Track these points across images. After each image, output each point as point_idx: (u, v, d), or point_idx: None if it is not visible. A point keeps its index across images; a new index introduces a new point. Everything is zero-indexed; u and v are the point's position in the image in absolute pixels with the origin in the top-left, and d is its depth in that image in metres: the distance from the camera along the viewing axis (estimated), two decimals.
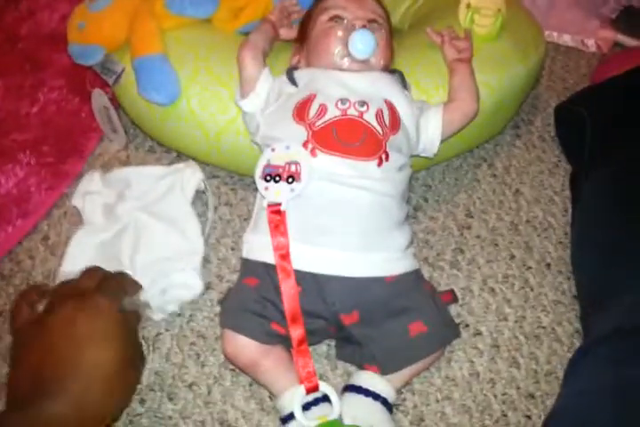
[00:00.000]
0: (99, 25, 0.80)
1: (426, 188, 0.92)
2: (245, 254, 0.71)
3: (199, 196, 0.87)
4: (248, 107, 0.75)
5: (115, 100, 0.89)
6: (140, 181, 0.84)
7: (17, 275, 0.80)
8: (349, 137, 0.69)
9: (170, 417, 0.68)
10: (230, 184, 0.90)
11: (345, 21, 0.75)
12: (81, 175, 0.89)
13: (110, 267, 0.65)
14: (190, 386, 0.70)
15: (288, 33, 0.83)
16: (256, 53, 0.76)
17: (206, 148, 0.83)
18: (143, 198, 0.82)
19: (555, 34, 1.20)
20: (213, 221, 0.85)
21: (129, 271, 0.70)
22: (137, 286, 0.63)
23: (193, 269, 0.76)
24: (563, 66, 1.15)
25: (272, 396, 0.68)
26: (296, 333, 0.64)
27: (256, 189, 0.71)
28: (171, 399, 0.69)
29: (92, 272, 0.61)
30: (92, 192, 0.83)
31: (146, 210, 0.80)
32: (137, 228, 0.79)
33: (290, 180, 0.67)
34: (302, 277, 0.66)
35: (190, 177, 0.84)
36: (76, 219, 0.84)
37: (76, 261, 0.76)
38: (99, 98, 0.87)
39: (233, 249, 0.82)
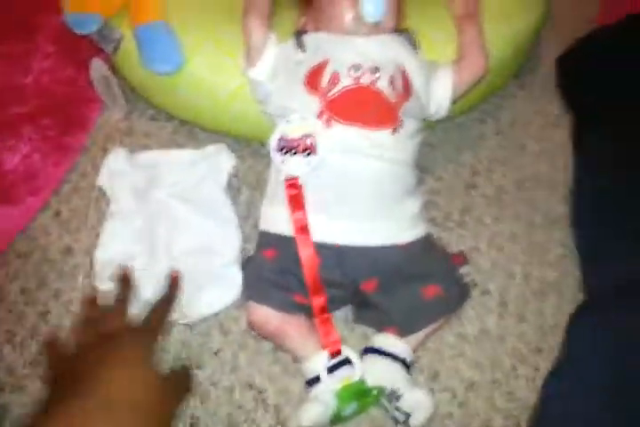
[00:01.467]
0: None
1: (430, 148, 0.91)
2: (263, 227, 0.73)
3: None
4: (256, 75, 0.73)
5: (112, 68, 0.87)
6: (170, 166, 0.82)
7: (34, 252, 0.81)
8: (363, 106, 0.69)
9: (200, 383, 0.71)
10: (238, 151, 0.88)
11: None
12: (86, 148, 0.89)
13: (146, 254, 0.66)
14: (217, 353, 0.73)
15: None
16: (261, 19, 0.73)
17: (213, 115, 0.82)
18: (176, 185, 0.80)
19: None
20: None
21: (165, 260, 0.72)
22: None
23: (233, 262, 0.75)
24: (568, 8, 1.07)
25: (296, 360, 0.71)
26: (318, 302, 0.67)
27: (266, 157, 0.71)
28: (199, 367, 0.72)
29: (120, 308, 0.59)
30: (119, 172, 0.82)
31: (181, 198, 0.79)
32: (172, 216, 0.78)
33: (306, 153, 0.68)
34: (321, 249, 0.67)
35: (223, 163, 0.83)
36: (99, 198, 0.84)
37: (111, 248, 0.76)
38: (98, 67, 0.84)
39: (246, 218, 0.82)
